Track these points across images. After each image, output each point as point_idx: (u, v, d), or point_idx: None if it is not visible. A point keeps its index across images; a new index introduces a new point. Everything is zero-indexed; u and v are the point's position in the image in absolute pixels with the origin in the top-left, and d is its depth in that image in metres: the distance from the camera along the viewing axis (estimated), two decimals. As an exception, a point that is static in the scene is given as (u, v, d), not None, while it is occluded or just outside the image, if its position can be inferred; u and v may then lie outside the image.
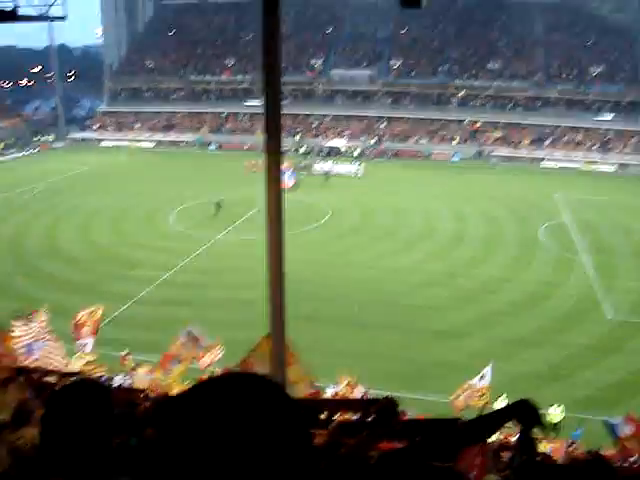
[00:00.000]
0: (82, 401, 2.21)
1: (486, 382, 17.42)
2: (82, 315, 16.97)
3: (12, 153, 78.50)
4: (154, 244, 41.08)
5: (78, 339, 16.91)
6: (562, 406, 21.35)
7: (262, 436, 1.20)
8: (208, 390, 1.27)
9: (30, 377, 7.24)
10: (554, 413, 21.16)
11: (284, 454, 1.22)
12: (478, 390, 17.44)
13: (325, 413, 4.59)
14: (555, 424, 21.11)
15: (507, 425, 3.28)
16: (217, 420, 1.19)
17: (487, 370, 17.71)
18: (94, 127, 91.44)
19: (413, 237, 43.02)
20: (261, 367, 9.13)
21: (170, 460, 1.22)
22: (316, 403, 5.32)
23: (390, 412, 3.11)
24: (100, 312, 17.37)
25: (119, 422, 6.35)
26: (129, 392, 10.96)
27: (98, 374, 14.65)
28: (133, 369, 16.83)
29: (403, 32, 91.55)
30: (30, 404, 4.95)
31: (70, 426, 2.13)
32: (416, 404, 20.29)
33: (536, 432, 3.18)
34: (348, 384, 18.39)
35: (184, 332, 16.87)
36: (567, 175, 66.70)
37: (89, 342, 16.67)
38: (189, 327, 17.00)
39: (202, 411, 1.22)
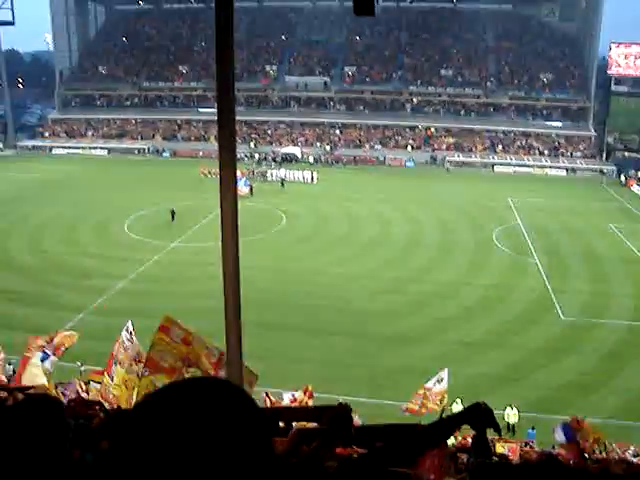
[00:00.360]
0: (34, 418, 2.15)
1: (444, 386, 17.56)
2: (60, 336, 16.59)
3: (-41, 161, 76.66)
4: (108, 253, 40.48)
5: (51, 355, 16.50)
6: (516, 408, 21.65)
7: (225, 443, 1.16)
8: (168, 396, 1.23)
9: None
10: (510, 414, 21.46)
11: (248, 462, 1.18)
12: (436, 394, 17.58)
13: (282, 421, 4.55)
14: (511, 425, 21.42)
15: (464, 427, 3.30)
16: (177, 427, 1.15)
17: (444, 374, 17.86)
18: (45, 134, 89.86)
19: (368, 243, 43.21)
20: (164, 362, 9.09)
21: (127, 472, 1.18)
22: (272, 411, 5.29)
23: (344, 418, 3.09)
24: (75, 339, 17.02)
25: (74, 436, 6.22)
26: (83, 404, 10.74)
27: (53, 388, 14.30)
28: (86, 382, 16.45)
29: (357, 39, 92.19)
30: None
31: (22, 444, 2.07)
32: (373, 409, 20.39)
33: (491, 434, 3.20)
34: (305, 391, 18.33)
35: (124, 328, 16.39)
36: (519, 179, 67.91)
37: (53, 361, 16.29)
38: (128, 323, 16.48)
39: (161, 418, 1.17)
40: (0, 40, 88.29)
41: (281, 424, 4.46)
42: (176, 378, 10.17)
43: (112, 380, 14.73)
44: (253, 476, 1.19)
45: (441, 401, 17.72)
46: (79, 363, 21.77)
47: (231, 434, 1.18)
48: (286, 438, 3.43)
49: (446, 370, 17.91)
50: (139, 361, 15.40)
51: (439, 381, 17.90)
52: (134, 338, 14.98)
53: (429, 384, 18.22)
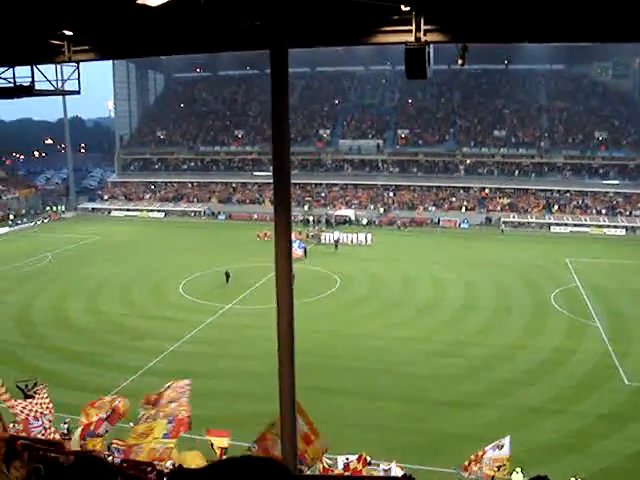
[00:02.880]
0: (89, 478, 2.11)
1: (505, 452, 16.96)
2: (119, 403, 16.75)
3: (23, 223, 79.41)
4: (163, 314, 40.98)
5: (111, 423, 16.62)
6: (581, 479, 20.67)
7: None
8: (222, 471, 1.25)
9: (34, 452, 7.04)
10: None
11: None
12: (495, 460, 17.00)
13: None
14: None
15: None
16: None
17: (506, 440, 17.26)
18: (105, 197, 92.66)
19: (423, 306, 42.73)
20: (277, 445, 8.97)
21: None
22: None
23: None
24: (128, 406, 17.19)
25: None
26: (135, 466, 10.68)
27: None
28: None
29: (409, 102, 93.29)
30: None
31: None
32: (429, 476, 19.79)
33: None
34: (360, 457, 17.98)
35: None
36: (577, 239, 66.73)
37: (108, 428, 16.41)
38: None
39: None
40: (66, 108, 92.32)
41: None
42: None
43: (147, 435, 14.73)
44: None
45: (499, 468, 17.12)
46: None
47: None
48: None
49: (508, 437, 17.30)
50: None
51: (499, 447, 17.33)
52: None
53: (488, 447, 17.67)
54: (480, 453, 17.72)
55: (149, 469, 9.94)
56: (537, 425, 25.73)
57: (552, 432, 25.13)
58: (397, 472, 17.35)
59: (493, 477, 17.15)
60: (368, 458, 19.39)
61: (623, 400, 28.25)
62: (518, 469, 19.45)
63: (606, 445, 24.31)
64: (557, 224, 73.23)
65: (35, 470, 5.36)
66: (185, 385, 15.96)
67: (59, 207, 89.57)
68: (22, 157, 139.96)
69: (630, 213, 73.80)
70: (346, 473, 15.44)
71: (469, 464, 18.09)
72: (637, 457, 23.40)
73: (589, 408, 27.36)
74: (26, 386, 25.89)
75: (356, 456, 17.90)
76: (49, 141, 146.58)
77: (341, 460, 18.05)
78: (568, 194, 78.36)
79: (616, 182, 77.37)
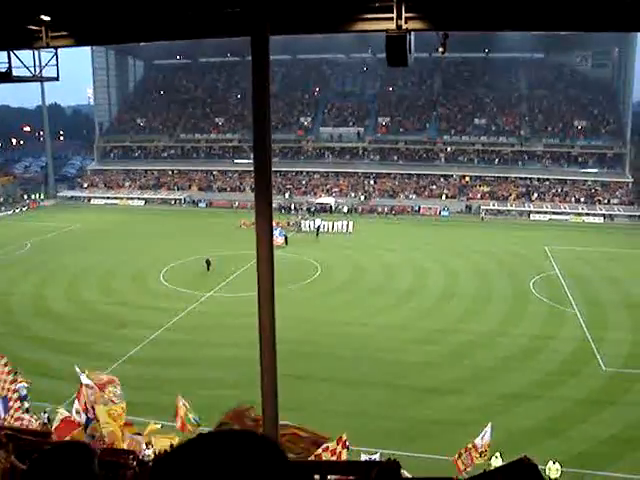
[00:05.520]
0: (66, 463, 2.12)
1: (487, 440, 17.14)
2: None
3: (2, 211, 78.56)
4: (143, 302, 40.79)
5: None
6: (558, 463, 20.93)
7: None
8: (205, 446, 1.24)
9: (19, 442, 7.04)
10: (552, 468, 20.76)
11: None
12: (479, 447, 17.17)
13: (320, 475, 4.44)
14: (553, 480, 20.71)
15: None
16: (214, 476, 1.16)
17: (487, 429, 17.44)
18: (84, 185, 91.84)
19: (404, 293, 42.89)
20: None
21: None
22: (313, 464, 5.17)
23: (392, 475, 3.00)
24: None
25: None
26: (115, 454, 10.70)
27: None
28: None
29: (390, 90, 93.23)
30: (17, 471, 4.79)
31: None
32: (411, 463, 19.95)
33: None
34: (339, 441, 18.07)
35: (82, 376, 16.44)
36: (556, 227, 67.25)
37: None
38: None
39: (199, 468, 1.19)
40: (44, 95, 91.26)
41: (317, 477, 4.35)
42: None
43: (99, 421, 14.74)
44: None
45: (482, 454, 17.30)
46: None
47: None
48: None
49: (489, 425, 17.44)
50: (103, 389, 15.40)
51: (483, 435, 17.50)
52: (89, 381, 15.09)
53: (476, 440, 17.82)
54: (470, 446, 17.83)
55: (130, 457, 9.95)
56: (516, 410, 26.01)
57: (531, 417, 25.42)
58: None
59: (486, 461, 17.34)
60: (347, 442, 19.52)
61: (600, 385, 28.62)
62: (497, 454, 19.68)
63: (583, 429, 24.65)
64: (537, 212, 73.74)
65: (18, 459, 5.37)
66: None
67: (38, 195, 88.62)
68: (0, 145, 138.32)
69: (608, 201, 74.48)
70: (324, 454, 15.48)
71: (459, 457, 18.22)
72: (612, 441, 23.77)
73: (567, 393, 27.70)
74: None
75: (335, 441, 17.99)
76: (27, 128, 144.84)
77: (321, 447, 18.11)
78: (547, 182, 78.88)
79: (595, 170, 78.04)
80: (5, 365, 15.39)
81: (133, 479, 7.50)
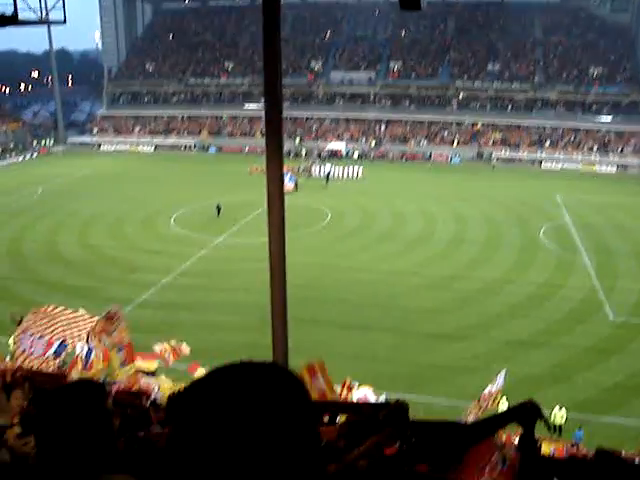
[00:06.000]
0: (76, 400, 2.18)
1: (499, 387, 17.25)
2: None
3: (12, 157, 78.55)
4: (155, 247, 41.04)
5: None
6: (564, 409, 21.22)
7: (274, 423, 1.18)
8: (224, 378, 1.25)
9: (34, 383, 7.22)
10: (557, 414, 21.06)
11: (295, 441, 1.20)
12: (491, 395, 17.31)
13: (329, 415, 4.54)
14: (558, 426, 21.02)
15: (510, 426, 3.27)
16: (233, 408, 1.17)
17: (500, 375, 17.52)
18: (93, 131, 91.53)
19: (413, 240, 42.94)
20: None
21: (180, 455, 1.21)
22: (323, 404, 5.27)
23: (401, 416, 3.08)
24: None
25: (121, 423, 6.35)
26: (129, 395, 10.96)
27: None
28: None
29: (402, 34, 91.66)
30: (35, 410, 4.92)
31: (64, 426, 2.10)
32: (418, 406, 20.23)
33: (540, 431, 3.17)
34: (344, 385, 18.35)
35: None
36: (567, 176, 66.73)
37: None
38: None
39: (218, 399, 1.20)
40: (51, 39, 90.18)
41: (325, 419, 4.46)
42: None
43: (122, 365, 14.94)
44: (298, 456, 1.21)
45: (494, 402, 17.46)
46: None
47: (280, 415, 1.20)
48: (333, 429, 3.44)
49: (504, 371, 17.51)
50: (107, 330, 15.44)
51: (496, 382, 17.59)
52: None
53: (492, 389, 17.91)
54: (486, 393, 17.89)
55: (143, 397, 10.19)
56: (523, 357, 26.26)
57: (537, 364, 25.67)
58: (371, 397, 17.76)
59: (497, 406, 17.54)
60: (352, 384, 19.84)
61: (607, 334, 28.80)
62: (503, 399, 19.96)
63: (588, 377, 24.90)
64: (549, 160, 73.12)
65: (34, 400, 5.52)
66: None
67: (48, 141, 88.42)
68: (8, 90, 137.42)
69: (622, 150, 73.63)
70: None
71: (478, 408, 18.34)
72: (617, 388, 24.07)
73: (574, 341, 27.90)
74: (21, 318, 26.20)
75: (340, 384, 18.27)
76: (35, 74, 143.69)
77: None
78: (560, 130, 77.93)
79: (609, 119, 76.89)
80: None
81: (143, 416, 7.70)
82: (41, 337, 14.49)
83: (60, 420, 2.11)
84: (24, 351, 14.39)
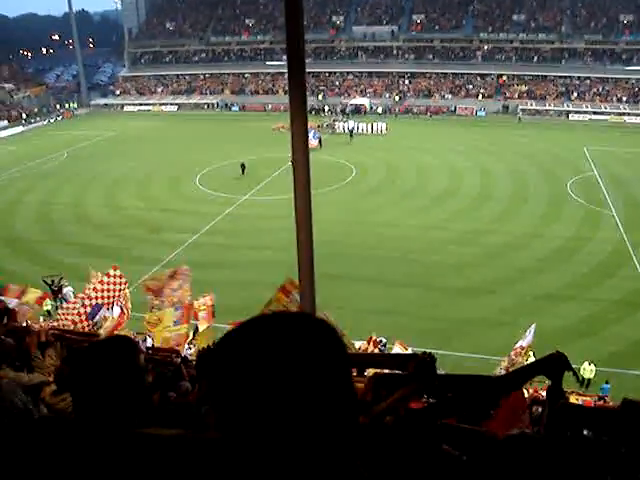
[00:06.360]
0: (109, 356, 2.23)
1: (529, 341, 17.23)
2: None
3: (36, 122, 78.98)
4: (180, 207, 41.30)
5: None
6: (593, 364, 21.15)
7: (311, 372, 1.18)
8: (259, 328, 1.25)
9: (68, 342, 7.37)
10: (587, 368, 21.02)
11: (332, 396, 1.21)
12: (523, 349, 17.31)
13: (359, 366, 4.61)
14: (587, 380, 20.99)
15: (538, 379, 3.29)
16: (268, 358, 1.17)
17: (530, 330, 17.49)
18: (116, 92, 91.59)
19: (439, 194, 42.67)
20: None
21: (216, 406, 1.22)
22: (353, 356, 5.32)
23: (428, 368, 3.10)
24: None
25: (154, 379, 6.49)
26: (160, 351, 11.14)
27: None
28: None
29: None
30: (69, 369, 5.05)
31: (98, 381, 2.15)
32: (445, 361, 20.39)
33: (567, 385, 3.19)
34: (369, 340, 18.53)
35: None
36: (596, 128, 65.58)
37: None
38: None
39: (254, 349, 1.20)
40: (71, 1, 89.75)
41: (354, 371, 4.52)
42: None
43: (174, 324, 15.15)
44: (334, 406, 1.21)
45: (524, 355, 17.46)
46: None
47: (316, 364, 1.20)
48: (361, 382, 3.49)
49: (533, 325, 17.46)
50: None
51: (527, 337, 17.57)
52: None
53: (522, 343, 17.87)
54: (517, 347, 17.85)
55: (174, 355, 10.36)
56: (550, 311, 26.17)
57: (564, 318, 25.60)
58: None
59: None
60: (380, 339, 20.00)
61: (635, 288, 28.50)
62: (530, 353, 19.98)
63: (616, 330, 24.78)
64: (576, 112, 71.82)
65: (67, 359, 5.65)
66: (185, 271, 16.23)
67: (71, 104, 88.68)
68: (30, 54, 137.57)
69: (652, 100, 72.01)
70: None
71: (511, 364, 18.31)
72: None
73: (602, 295, 27.73)
74: (52, 282, 26.68)
75: (365, 340, 18.43)
76: (56, 37, 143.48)
77: (357, 344, 18.56)
78: (588, 81, 76.31)
79: (639, 68, 74.98)
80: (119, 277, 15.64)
81: (175, 374, 7.84)
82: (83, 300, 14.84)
83: (94, 376, 2.16)
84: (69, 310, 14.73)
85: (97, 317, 14.71)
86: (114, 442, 1.87)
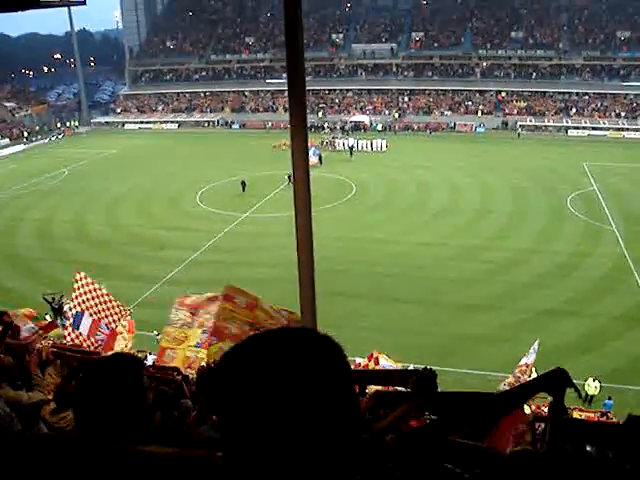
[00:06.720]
0: (116, 373, 2.23)
1: (532, 359, 17.10)
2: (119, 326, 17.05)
3: (38, 140, 79.22)
4: (181, 224, 41.35)
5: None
6: (597, 380, 21.03)
7: (315, 387, 1.17)
8: (263, 344, 1.24)
9: (68, 360, 7.35)
10: (591, 385, 20.91)
11: (336, 412, 1.20)
12: (527, 367, 17.19)
13: (360, 383, 4.60)
14: (590, 396, 20.90)
15: (540, 396, 3.28)
16: (274, 373, 1.17)
17: (534, 347, 17.37)
18: (117, 110, 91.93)
19: (440, 210, 42.73)
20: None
21: (222, 421, 1.21)
22: (354, 373, 5.29)
23: (429, 384, 3.10)
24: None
25: (156, 399, 6.44)
26: (162, 370, 11.09)
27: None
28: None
29: (424, 3, 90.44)
30: (69, 387, 5.04)
31: (105, 397, 2.16)
32: (446, 377, 20.31)
33: (570, 401, 3.18)
34: (370, 358, 18.41)
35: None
36: (595, 143, 65.72)
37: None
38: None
39: (260, 364, 1.19)
40: (72, 21, 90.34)
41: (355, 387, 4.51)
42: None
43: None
44: (338, 422, 1.20)
45: (525, 373, 17.35)
46: (155, 332, 22.30)
47: (322, 380, 1.19)
48: (363, 399, 3.48)
49: (537, 342, 17.33)
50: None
51: (529, 354, 17.46)
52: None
53: (527, 360, 17.73)
54: (523, 365, 17.70)
55: (175, 373, 10.32)
56: (552, 327, 26.11)
57: (566, 334, 25.54)
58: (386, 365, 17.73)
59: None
60: (380, 357, 19.88)
61: (636, 303, 28.48)
62: (532, 369, 19.88)
63: (618, 346, 24.72)
64: (575, 127, 72.02)
65: (67, 376, 5.63)
66: (220, 296, 16.03)
67: (72, 122, 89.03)
68: (31, 73, 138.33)
69: (651, 115, 72.19)
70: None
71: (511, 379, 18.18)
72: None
73: (603, 310, 27.68)
74: (53, 299, 26.58)
75: (366, 357, 18.32)
76: (57, 55, 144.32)
77: (358, 361, 18.48)
78: (587, 97, 76.59)
79: (637, 83, 75.21)
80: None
81: (177, 392, 7.82)
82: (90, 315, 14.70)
83: (98, 392, 2.17)
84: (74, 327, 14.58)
85: (82, 327, 14.58)
86: (113, 459, 1.87)
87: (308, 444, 1.17)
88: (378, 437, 2.73)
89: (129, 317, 15.99)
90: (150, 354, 16.07)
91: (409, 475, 2.50)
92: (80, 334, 14.50)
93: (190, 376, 12.09)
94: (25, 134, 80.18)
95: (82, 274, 15.19)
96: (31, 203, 48.29)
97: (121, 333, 15.53)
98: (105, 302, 15.27)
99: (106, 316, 15.07)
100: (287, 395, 1.16)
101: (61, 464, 1.85)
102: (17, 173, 59.81)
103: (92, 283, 15.40)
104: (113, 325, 15.08)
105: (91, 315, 14.92)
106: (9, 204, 48.38)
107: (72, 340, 14.04)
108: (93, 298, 15.24)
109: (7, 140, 77.30)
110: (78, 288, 15.14)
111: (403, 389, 3.36)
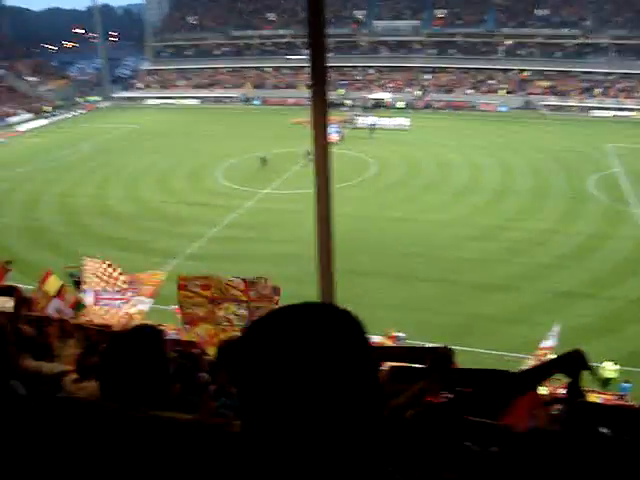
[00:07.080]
0: (141, 344, 2.27)
1: (552, 342, 17.00)
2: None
3: (60, 114, 79.56)
4: (201, 200, 41.44)
5: (136, 295, 16.94)
6: (616, 364, 20.89)
7: (341, 365, 1.18)
8: (284, 319, 1.24)
9: (88, 333, 7.45)
10: (609, 369, 20.77)
11: (358, 387, 1.20)
12: (548, 349, 17.10)
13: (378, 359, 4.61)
14: (607, 379, 20.77)
15: (557, 377, 3.28)
16: (295, 347, 1.18)
17: (554, 331, 17.24)
18: (138, 86, 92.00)
19: (460, 190, 42.46)
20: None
21: (244, 399, 1.22)
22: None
23: (447, 361, 3.11)
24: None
25: (175, 370, 6.52)
26: (181, 344, 11.20)
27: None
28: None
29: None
30: (91, 359, 5.11)
31: (129, 368, 2.20)
32: (464, 358, 20.30)
33: (585, 380, 3.18)
34: (386, 335, 18.48)
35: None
36: (619, 124, 64.83)
37: (147, 303, 16.70)
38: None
39: (279, 339, 1.20)
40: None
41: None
42: (212, 319, 10.81)
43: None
44: (359, 397, 1.20)
45: (544, 357, 17.26)
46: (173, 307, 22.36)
47: (343, 354, 1.19)
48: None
49: (557, 327, 17.19)
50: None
51: (549, 338, 17.35)
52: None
53: (547, 344, 17.62)
54: (543, 347, 17.59)
55: (193, 346, 10.43)
56: (570, 308, 25.95)
57: (584, 316, 25.37)
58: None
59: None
60: (398, 334, 19.93)
61: (657, 286, 28.21)
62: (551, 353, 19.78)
63: (636, 329, 24.47)
64: (599, 108, 71.00)
65: (87, 348, 5.71)
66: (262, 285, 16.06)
67: (94, 97, 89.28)
68: (54, 48, 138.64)
69: (677, 96, 70.99)
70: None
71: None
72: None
73: (623, 293, 27.43)
74: (74, 273, 26.82)
75: (383, 335, 18.38)
76: (79, 30, 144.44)
77: (375, 339, 18.54)
78: (612, 76, 75.39)
79: (664, 63, 73.99)
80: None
81: (194, 366, 7.89)
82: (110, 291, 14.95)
83: (124, 362, 2.21)
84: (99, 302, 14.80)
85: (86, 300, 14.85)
86: (133, 423, 1.91)
87: (330, 419, 1.17)
88: (397, 414, 2.76)
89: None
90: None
91: (429, 452, 2.52)
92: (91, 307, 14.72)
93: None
94: (48, 109, 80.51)
95: (88, 259, 15.47)
96: (53, 177, 48.59)
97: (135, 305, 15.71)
98: (109, 275, 15.48)
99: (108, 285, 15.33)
100: (308, 367, 1.17)
101: (81, 426, 1.89)
102: (40, 147, 60.21)
103: (101, 263, 15.64)
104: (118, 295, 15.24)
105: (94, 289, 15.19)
106: (32, 178, 48.72)
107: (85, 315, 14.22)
108: (97, 275, 15.45)
109: (30, 114, 77.67)
110: (87, 272, 15.40)
111: (419, 366, 3.38)
